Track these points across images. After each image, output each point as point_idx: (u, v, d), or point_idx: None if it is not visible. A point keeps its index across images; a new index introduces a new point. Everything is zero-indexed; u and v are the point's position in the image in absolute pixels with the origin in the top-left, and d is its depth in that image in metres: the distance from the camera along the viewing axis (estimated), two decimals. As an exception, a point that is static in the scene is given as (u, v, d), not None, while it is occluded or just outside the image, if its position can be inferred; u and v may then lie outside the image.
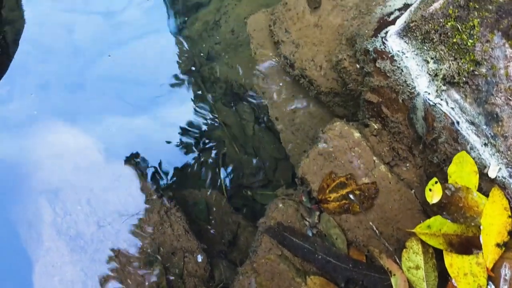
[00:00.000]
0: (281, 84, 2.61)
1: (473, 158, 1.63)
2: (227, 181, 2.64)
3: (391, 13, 2.00)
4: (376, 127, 2.00)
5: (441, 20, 1.63)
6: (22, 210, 2.03)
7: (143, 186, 2.13)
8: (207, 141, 2.71)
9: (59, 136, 2.17)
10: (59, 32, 2.72)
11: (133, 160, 2.36)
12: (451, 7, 1.60)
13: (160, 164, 2.53)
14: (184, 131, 2.69)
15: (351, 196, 1.82)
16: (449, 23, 1.61)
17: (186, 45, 2.89)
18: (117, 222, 2.01)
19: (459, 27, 1.58)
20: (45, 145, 2.16)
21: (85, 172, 2.12)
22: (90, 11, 2.85)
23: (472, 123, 1.64)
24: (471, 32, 1.56)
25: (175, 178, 2.56)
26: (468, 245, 1.53)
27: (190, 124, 2.72)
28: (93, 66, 2.72)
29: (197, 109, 2.76)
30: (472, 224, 1.51)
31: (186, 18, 2.97)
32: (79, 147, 2.17)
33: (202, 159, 2.66)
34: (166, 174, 2.54)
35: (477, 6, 1.53)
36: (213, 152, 2.68)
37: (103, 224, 2.00)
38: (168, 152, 2.57)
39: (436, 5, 1.66)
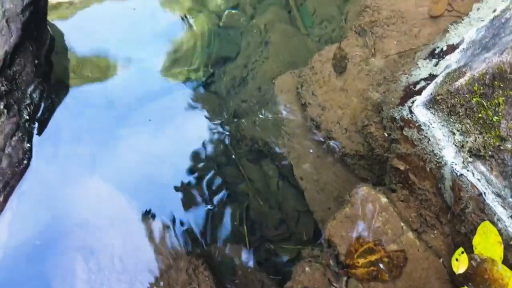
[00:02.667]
0: (306, 145, 2.67)
1: (500, 229, 1.66)
2: (251, 234, 2.68)
3: (417, 82, 2.07)
4: (403, 193, 2.05)
5: (467, 95, 1.70)
6: (58, 265, 2.09)
7: (173, 243, 2.18)
8: (231, 194, 2.77)
9: (96, 194, 2.26)
10: (94, 76, 2.85)
11: (163, 216, 2.42)
12: (476, 84, 1.67)
13: (188, 219, 2.59)
14: (210, 185, 2.76)
15: (380, 264, 1.85)
16: (474, 99, 1.68)
17: (213, 100, 3.00)
18: (147, 280, 2.05)
19: (485, 104, 1.65)
20: (83, 203, 2.25)
21: (118, 229, 2.19)
22: (121, 57, 2.97)
23: (499, 195, 1.68)
24: (496, 109, 1.62)
25: (202, 232, 2.61)
26: (497, 318, 1.54)
27: (216, 178, 2.79)
28: (124, 120, 2.82)
29: (223, 164, 2.84)
30: (499, 297, 1.54)
31: (213, 72, 3.09)
32: (114, 205, 2.26)
33: (227, 212, 2.71)
34: (194, 228, 2.59)
35: (502, 85, 1.60)
36: (238, 205, 2.74)
37: (134, 281, 2.04)
38: (195, 206, 2.63)
39: (462, 81, 1.72)
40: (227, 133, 2.92)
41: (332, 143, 2.50)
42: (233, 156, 2.86)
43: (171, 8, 3.21)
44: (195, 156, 2.83)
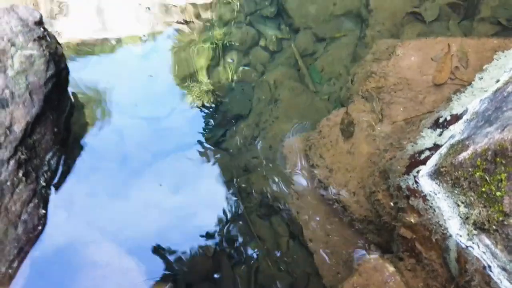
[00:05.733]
0: (315, 206, 2.69)
1: (507, 304, 1.65)
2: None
3: (422, 151, 2.10)
4: (410, 261, 2.05)
5: (470, 169, 1.73)
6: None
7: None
8: (240, 256, 2.77)
9: (106, 258, 2.30)
10: (110, 137, 2.94)
11: (171, 281, 2.43)
12: (479, 159, 1.70)
13: (195, 280, 2.58)
14: (219, 244, 2.77)
15: (387, 339, 1.84)
16: (477, 173, 1.71)
17: (224, 158, 3.06)
18: None
19: (487, 179, 1.68)
20: (93, 267, 2.28)
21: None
22: (137, 116, 3.08)
23: (504, 269, 1.68)
24: (499, 184, 1.65)
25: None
26: None
27: (226, 236, 2.80)
28: (137, 180, 2.89)
29: (233, 220, 2.86)
30: None
31: (225, 130, 3.17)
32: (122, 268, 2.28)
33: (236, 273, 2.70)
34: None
35: (504, 162, 1.63)
36: (247, 265, 2.73)
37: None
38: (204, 270, 2.63)
39: (465, 154, 1.76)
40: (238, 188, 2.95)
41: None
42: (243, 211, 2.88)
43: (186, 71, 3.35)
44: (205, 214, 2.86)
